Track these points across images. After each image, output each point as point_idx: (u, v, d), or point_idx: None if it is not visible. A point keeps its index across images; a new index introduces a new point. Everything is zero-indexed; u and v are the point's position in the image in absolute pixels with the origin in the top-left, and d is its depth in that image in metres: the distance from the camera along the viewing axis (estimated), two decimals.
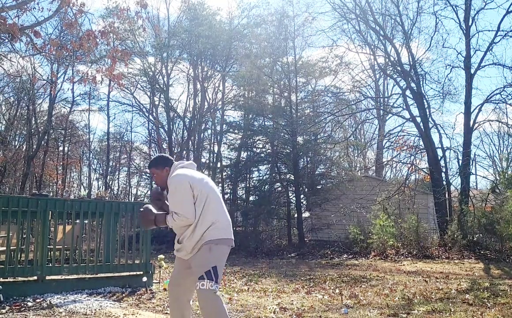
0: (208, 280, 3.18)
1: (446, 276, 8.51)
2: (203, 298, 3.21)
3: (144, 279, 6.90)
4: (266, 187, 17.78)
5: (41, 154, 23.11)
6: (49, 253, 7.05)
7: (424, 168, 15.72)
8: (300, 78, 17.82)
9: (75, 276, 6.59)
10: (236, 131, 20.27)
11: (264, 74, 17.80)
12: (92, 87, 23.10)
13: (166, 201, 3.52)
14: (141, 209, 3.53)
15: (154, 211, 3.48)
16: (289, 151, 17.14)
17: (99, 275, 6.70)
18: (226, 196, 18.95)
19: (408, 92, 15.16)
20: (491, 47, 13.96)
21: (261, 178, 18.97)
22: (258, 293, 6.55)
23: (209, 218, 3.30)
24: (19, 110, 23.58)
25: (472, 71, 14.10)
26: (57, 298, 5.90)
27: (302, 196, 17.07)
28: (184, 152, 22.59)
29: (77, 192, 26.68)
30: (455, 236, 11.96)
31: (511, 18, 43.28)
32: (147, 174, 27.72)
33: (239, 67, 20.46)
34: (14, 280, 5.99)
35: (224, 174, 19.94)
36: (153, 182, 3.62)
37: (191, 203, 3.27)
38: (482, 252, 11.63)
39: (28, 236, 7.28)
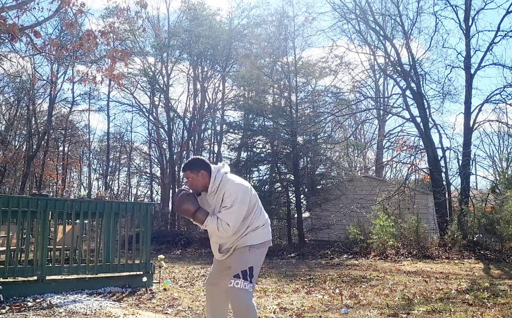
0: (243, 280, 3.12)
1: (446, 276, 8.51)
2: (235, 298, 3.12)
3: (144, 279, 6.90)
4: (266, 187, 17.76)
5: (41, 154, 23.10)
6: (49, 253, 7.06)
7: (424, 168, 15.73)
8: (300, 78, 17.82)
9: (75, 276, 6.60)
10: (236, 131, 20.27)
11: (264, 74, 17.79)
12: (92, 87, 23.15)
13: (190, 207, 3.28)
14: (185, 192, 3.29)
15: (197, 202, 3.28)
16: (289, 151, 17.13)
17: (99, 275, 6.70)
18: None
19: (408, 92, 15.16)
20: (491, 47, 13.98)
21: (261, 178, 18.97)
22: (258, 293, 6.54)
23: (254, 224, 3.30)
24: (19, 110, 23.57)
25: (472, 71, 14.09)
26: (57, 298, 5.91)
27: (302, 196, 17.06)
28: (184, 152, 22.61)
29: (77, 192, 26.68)
30: (455, 236, 11.95)
31: (511, 18, 43.32)
32: (147, 174, 27.80)
33: (239, 67, 20.47)
34: (14, 280, 5.99)
35: None
36: (185, 185, 3.42)
37: (241, 217, 3.21)
38: (482, 252, 11.61)
39: (28, 236, 7.28)
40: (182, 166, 3.40)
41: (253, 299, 3.22)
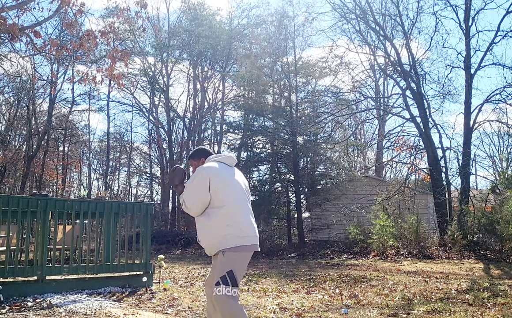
0: (223, 286, 3.15)
1: (446, 276, 8.51)
2: (219, 306, 3.16)
3: (144, 279, 6.90)
4: (266, 187, 17.75)
5: (41, 154, 23.11)
6: (49, 253, 7.06)
7: (424, 168, 15.73)
8: (300, 78, 17.81)
9: (75, 276, 6.60)
10: (236, 131, 20.27)
11: (264, 74, 17.79)
12: (92, 87, 23.18)
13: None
14: (181, 169, 3.64)
15: (184, 179, 3.62)
16: (289, 151, 17.12)
17: (99, 275, 6.70)
18: None
19: (408, 92, 15.16)
20: (491, 47, 13.98)
21: (261, 178, 18.97)
22: (258, 293, 6.54)
23: (226, 222, 3.25)
24: (19, 110, 23.58)
25: (472, 71, 14.09)
26: (57, 298, 5.91)
27: (302, 196, 17.05)
28: (184, 152, 22.62)
29: (77, 192, 26.67)
30: (455, 236, 11.95)
31: (511, 18, 43.30)
32: (147, 174, 27.81)
33: (239, 67, 20.48)
34: (14, 280, 5.99)
35: None
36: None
37: (197, 196, 3.30)
38: (482, 252, 11.61)
39: (28, 236, 7.28)
40: (188, 155, 3.73)
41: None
